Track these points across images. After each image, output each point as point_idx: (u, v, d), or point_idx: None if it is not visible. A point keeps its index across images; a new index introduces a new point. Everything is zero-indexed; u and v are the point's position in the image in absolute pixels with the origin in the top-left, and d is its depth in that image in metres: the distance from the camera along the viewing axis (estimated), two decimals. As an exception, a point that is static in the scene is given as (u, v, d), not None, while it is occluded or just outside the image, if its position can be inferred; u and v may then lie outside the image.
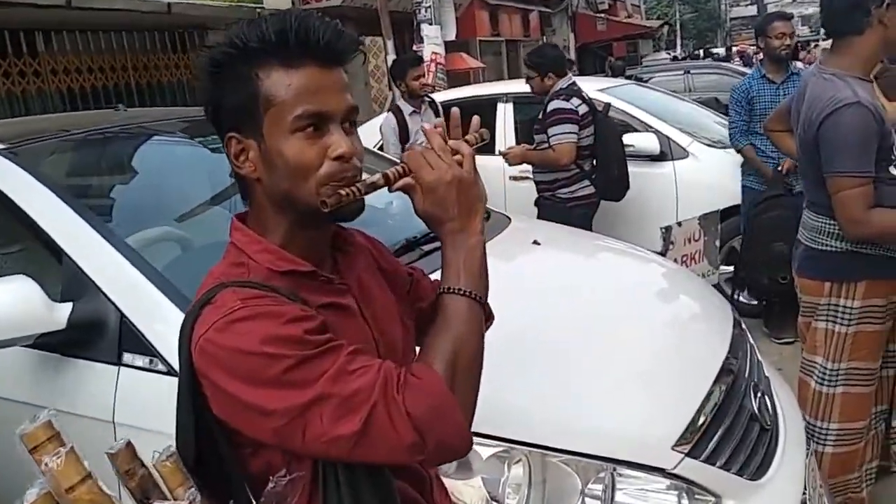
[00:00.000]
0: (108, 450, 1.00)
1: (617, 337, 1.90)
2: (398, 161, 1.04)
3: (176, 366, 1.62)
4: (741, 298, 4.25)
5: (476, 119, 1.08)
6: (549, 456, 1.51)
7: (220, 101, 0.98)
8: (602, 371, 1.75)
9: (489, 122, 5.38)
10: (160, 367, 1.65)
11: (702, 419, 1.66)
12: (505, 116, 5.30)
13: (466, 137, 1.04)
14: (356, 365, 0.89)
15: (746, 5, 66.70)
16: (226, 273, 0.98)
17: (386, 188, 0.99)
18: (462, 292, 0.96)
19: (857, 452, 2.37)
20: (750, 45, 24.07)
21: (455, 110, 1.05)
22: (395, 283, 1.17)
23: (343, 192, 0.93)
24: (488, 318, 1.17)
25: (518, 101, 5.19)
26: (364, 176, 0.98)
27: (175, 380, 1.60)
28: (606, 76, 11.99)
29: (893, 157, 2.14)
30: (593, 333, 1.91)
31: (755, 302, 4.34)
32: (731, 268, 4.25)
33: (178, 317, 1.72)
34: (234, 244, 1.02)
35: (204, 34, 9.19)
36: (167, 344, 1.67)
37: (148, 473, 1.00)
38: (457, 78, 10.87)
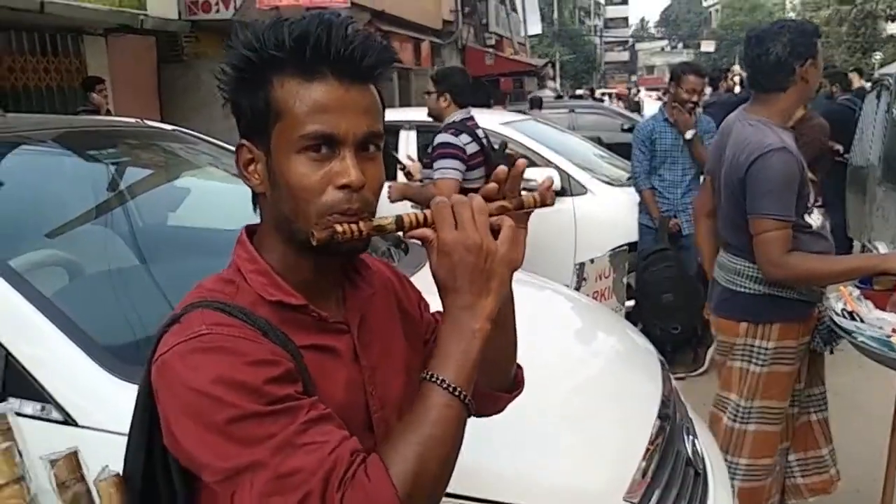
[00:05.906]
0: (47, 455, 0.94)
1: (555, 384, 1.83)
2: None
3: (75, 415, 1.44)
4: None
5: (549, 178, 0.94)
6: (500, 511, 1.42)
7: (237, 103, 0.90)
8: (543, 420, 1.67)
9: (391, 149, 5.33)
10: (55, 415, 1.42)
11: (646, 466, 1.62)
12: (408, 143, 5.25)
13: (524, 196, 0.90)
14: (308, 438, 0.77)
15: (620, 51, 71.28)
16: (213, 289, 0.89)
17: (399, 232, 0.88)
18: (445, 386, 0.82)
19: (763, 488, 2.43)
20: (626, 87, 25.47)
21: (522, 161, 0.92)
22: (414, 329, 1.07)
23: (340, 227, 0.84)
24: (517, 387, 1.10)
25: (421, 128, 5.14)
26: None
27: (75, 430, 1.43)
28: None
29: (809, 207, 2.24)
30: (529, 382, 1.83)
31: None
32: (633, 302, 4.34)
33: (76, 356, 1.51)
34: (234, 258, 0.93)
35: (80, 39, 8.56)
36: (63, 388, 1.45)
37: (85, 491, 0.94)
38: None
